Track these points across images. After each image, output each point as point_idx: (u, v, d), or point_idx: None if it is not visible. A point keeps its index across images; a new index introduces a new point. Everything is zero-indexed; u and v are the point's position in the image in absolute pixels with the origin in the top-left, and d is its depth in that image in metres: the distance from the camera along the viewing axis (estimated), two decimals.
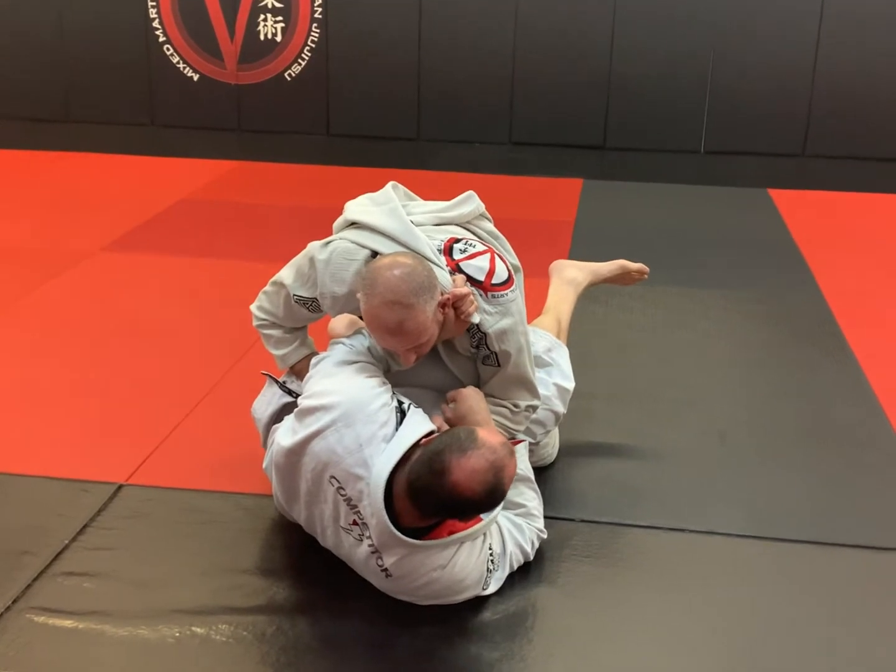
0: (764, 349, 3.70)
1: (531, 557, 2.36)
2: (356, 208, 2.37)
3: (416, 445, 2.11)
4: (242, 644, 2.12)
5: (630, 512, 2.62)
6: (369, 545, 2.13)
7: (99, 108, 6.81)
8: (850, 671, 2.09)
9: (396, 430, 2.13)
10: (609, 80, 6.38)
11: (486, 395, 2.36)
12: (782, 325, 3.91)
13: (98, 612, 2.20)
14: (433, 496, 2.03)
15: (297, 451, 2.19)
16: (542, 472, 2.73)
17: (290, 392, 2.52)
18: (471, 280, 2.24)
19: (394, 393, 2.24)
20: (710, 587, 2.34)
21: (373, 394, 2.18)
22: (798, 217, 5.41)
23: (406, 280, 2.08)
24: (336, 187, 5.43)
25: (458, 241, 2.31)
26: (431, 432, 2.17)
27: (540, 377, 2.61)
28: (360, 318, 2.40)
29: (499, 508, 2.21)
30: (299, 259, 2.40)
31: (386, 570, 2.14)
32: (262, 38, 6.59)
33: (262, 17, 6.55)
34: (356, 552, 2.18)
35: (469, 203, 2.45)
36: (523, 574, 2.34)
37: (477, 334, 2.27)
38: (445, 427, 2.24)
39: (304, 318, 2.49)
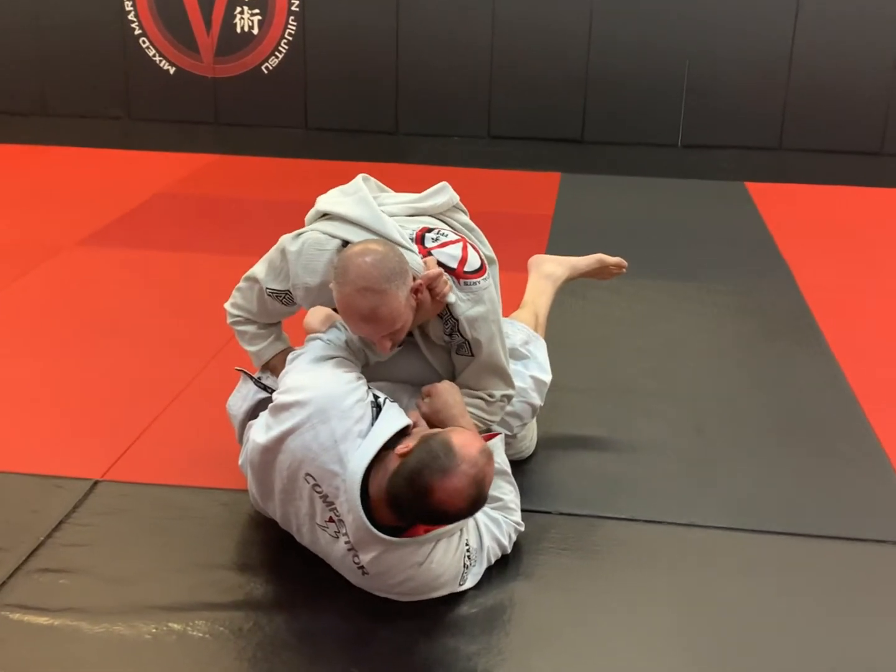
0: (740, 341, 3.72)
1: (508, 551, 2.36)
2: (327, 199, 2.39)
3: (393, 440, 2.10)
4: (219, 640, 2.11)
5: (607, 504, 2.62)
6: (346, 542, 2.13)
7: (75, 102, 6.76)
8: (827, 660, 2.10)
9: (372, 425, 2.12)
10: (587, 74, 6.38)
11: (461, 385, 2.37)
12: (758, 318, 3.93)
13: (74, 609, 2.18)
14: (416, 513, 2.06)
15: (272, 449, 2.19)
16: (520, 465, 2.74)
17: (265, 388, 2.51)
18: (443, 267, 2.25)
19: (370, 387, 2.23)
20: (688, 578, 2.35)
21: (348, 389, 2.17)
22: (774, 210, 5.44)
23: (377, 266, 2.08)
24: (314, 181, 5.40)
25: (430, 230, 2.32)
26: (408, 427, 2.17)
27: (517, 370, 2.61)
28: (335, 310, 2.40)
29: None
30: (271, 253, 2.40)
31: (362, 567, 2.14)
32: (238, 31, 6.55)
33: (238, 9, 6.51)
34: (332, 549, 2.18)
35: (442, 194, 2.45)
36: (501, 567, 2.34)
37: (449, 321, 2.28)
38: (422, 422, 2.24)
39: (278, 312, 2.48)
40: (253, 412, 2.49)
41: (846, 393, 3.28)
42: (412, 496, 2.01)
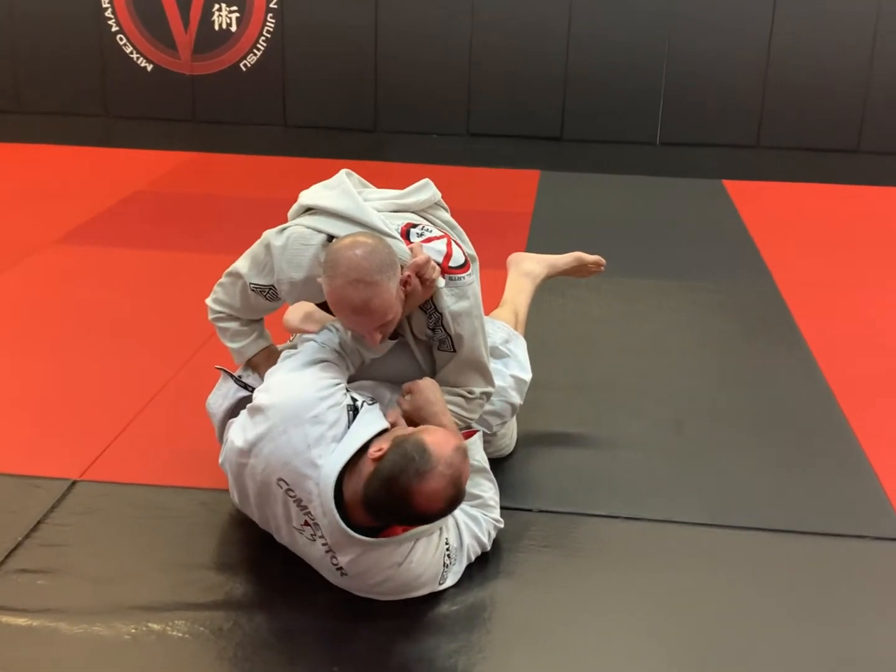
0: (719, 338, 3.74)
1: (488, 548, 2.36)
2: (310, 194, 2.38)
3: (370, 443, 2.10)
4: (199, 639, 2.10)
5: (588, 501, 2.63)
6: (323, 544, 2.12)
7: (51, 99, 6.70)
8: (807, 655, 2.11)
9: (348, 428, 2.12)
10: (566, 71, 6.39)
11: (441, 382, 2.37)
12: (737, 315, 3.95)
13: (52, 610, 2.17)
14: (395, 517, 2.06)
15: (245, 453, 2.18)
16: (501, 463, 2.74)
17: (245, 386, 2.49)
18: None
19: (349, 390, 2.22)
20: (668, 575, 2.36)
21: (321, 395, 2.16)
22: (752, 207, 5.47)
23: (368, 258, 2.09)
24: (293, 178, 5.36)
25: (414, 226, 2.33)
26: (385, 430, 2.16)
27: (497, 368, 2.61)
28: (319, 305, 2.40)
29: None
30: (255, 248, 2.39)
31: (341, 568, 2.14)
32: (216, 28, 6.52)
33: (216, 6, 6.48)
34: (310, 551, 2.17)
35: (425, 191, 2.45)
36: (482, 565, 2.34)
37: (434, 314, 2.28)
38: (401, 421, 2.23)
39: (262, 307, 2.47)
40: (233, 411, 2.47)
41: (823, 389, 3.30)
42: (390, 501, 2.01)
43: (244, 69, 6.57)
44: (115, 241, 4.66)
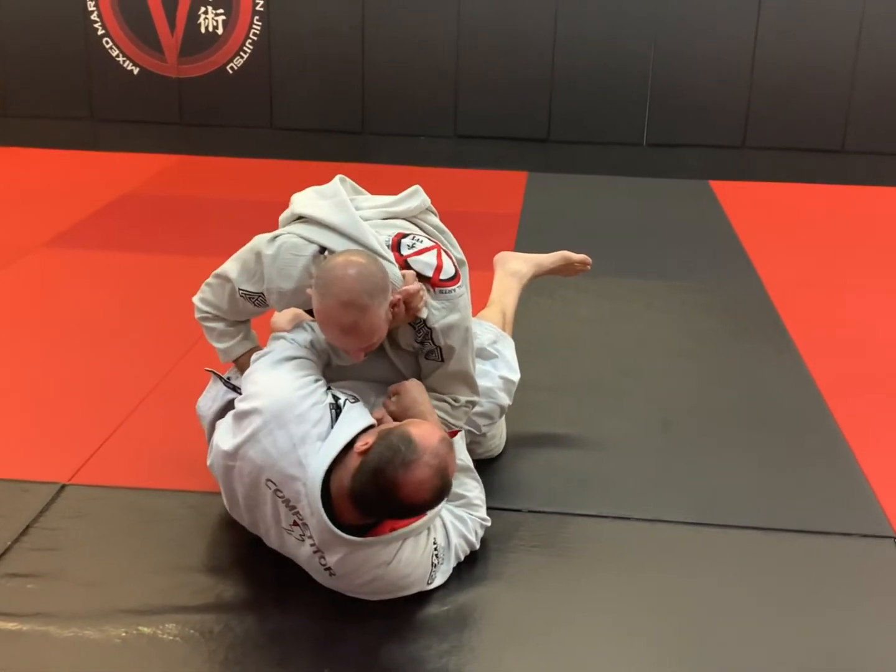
0: (705, 338, 3.75)
1: (476, 547, 2.37)
2: (303, 201, 2.36)
3: (354, 441, 2.10)
4: (190, 642, 2.10)
5: (576, 501, 2.64)
6: (311, 545, 2.12)
7: (37, 103, 6.68)
8: (794, 654, 2.13)
9: (332, 426, 2.12)
10: (552, 73, 6.40)
11: (428, 388, 2.36)
12: (723, 315, 3.97)
13: (42, 614, 2.16)
14: (383, 509, 2.06)
15: (232, 456, 2.18)
16: (489, 464, 2.75)
17: (234, 388, 2.49)
18: (418, 276, 2.25)
19: (329, 389, 2.23)
20: (657, 574, 2.37)
21: (303, 393, 2.16)
22: (739, 208, 5.50)
23: (361, 281, 2.07)
24: (280, 181, 5.39)
25: (405, 236, 2.31)
26: (370, 426, 2.17)
27: (485, 369, 2.62)
28: (308, 312, 2.39)
29: (443, 502, 2.21)
30: (245, 253, 2.37)
31: (329, 568, 2.14)
32: (203, 30, 6.51)
33: (202, 9, 6.48)
34: (299, 552, 2.18)
35: (416, 198, 2.45)
36: (471, 565, 2.35)
37: (423, 329, 2.28)
38: (388, 420, 2.24)
39: (249, 312, 2.47)
40: (222, 413, 2.47)
41: (810, 387, 3.32)
42: (378, 493, 2.01)
43: (231, 72, 6.57)
44: (102, 244, 4.65)
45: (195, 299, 2.53)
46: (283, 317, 2.58)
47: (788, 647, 2.14)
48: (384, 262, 2.19)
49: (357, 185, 2.49)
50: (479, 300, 2.94)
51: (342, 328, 2.10)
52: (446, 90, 6.49)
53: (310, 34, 6.45)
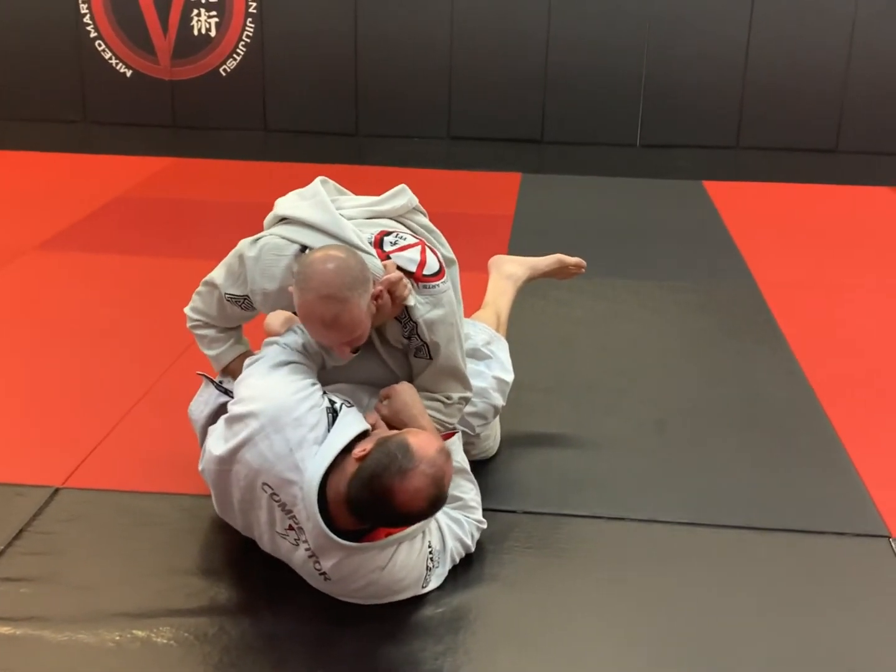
0: (700, 338, 3.76)
1: (472, 549, 2.36)
2: (285, 204, 2.38)
3: (351, 445, 2.10)
4: (184, 645, 2.10)
5: (571, 502, 2.64)
6: (306, 549, 2.12)
7: (30, 105, 6.68)
8: (789, 652, 2.13)
9: (328, 431, 2.12)
10: (546, 74, 6.42)
11: (419, 388, 2.37)
12: (717, 315, 3.98)
13: (36, 618, 2.16)
14: (378, 516, 2.05)
15: (227, 460, 2.17)
16: (484, 464, 2.75)
17: (226, 392, 2.49)
18: (402, 271, 2.25)
19: (325, 393, 2.22)
20: (652, 574, 2.37)
21: (300, 396, 2.16)
22: (732, 208, 5.50)
23: (340, 274, 2.08)
24: (274, 183, 5.37)
25: (388, 233, 2.32)
26: (365, 431, 2.16)
27: (479, 370, 2.62)
28: (295, 313, 2.39)
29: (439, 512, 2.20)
30: (230, 257, 2.39)
31: (324, 573, 2.13)
32: (195, 33, 6.52)
33: (195, 12, 6.48)
34: (293, 556, 2.17)
35: (401, 197, 2.45)
36: (466, 567, 2.35)
37: (408, 324, 2.28)
38: (381, 424, 2.24)
39: (238, 316, 2.48)
40: (214, 417, 2.46)
41: (804, 387, 3.32)
42: (372, 499, 2.01)
43: (224, 74, 6.57)
44: (95, 246, 4.64)
45: (186, 309, 2.54)
46: (275, 319, 2.58)
47: (783, 646, 2.14)
48: (364, 255, 2.19)
49: (341, 187, 2.50)
50: (473, 302, 2.94)
51: (323, 322, 2.10)
52: (440, 92, 6.50)
53: (303, 36, 6.46)
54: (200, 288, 2.49)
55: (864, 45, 6.25)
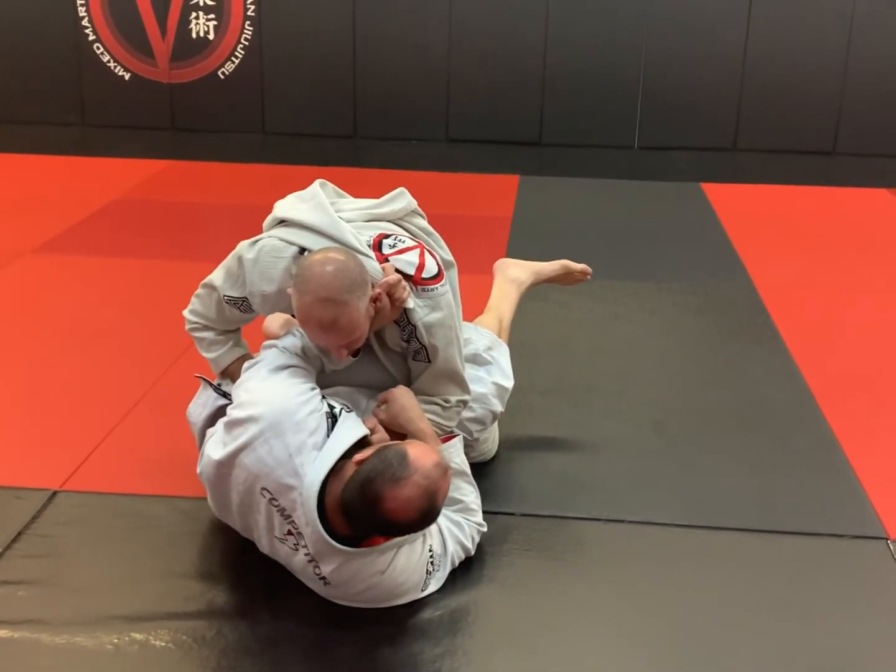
0: (698, 340, 3.76)
1: (472, 552, 2.36)
2: (284, 206, 2.38)
3: (350, 451, 2.10)
4: (182, 648, 2.10)
5: (570, 504, 2.64)
6: (305, 554, 2.12)
7: (28, 109, 6.69)
8: (786, 654, 2.13)
9: (328, 436, 2.11)
10: (544, 77, 6.42)
11: (417, 391, 2.37)
12: (715, 316, 3.98)
13: (34, 621, 2.16)
14: (366, 522, 2.04)
15: (226, 464, 2.17)
16: (482, 467, 2.74)
17: (224, 395, 2.49)
18: (400, 274, 2.25)
19: (324, 397, 2.22)
20: (650, 576, 2.37)
21: (301, 401, 2.15)
22: (730, 210, 5.50)
23: (339, 277, 2.08)
24: (272, 186, 5.37)
25: (387, 236, 2.32)
26: (365, 437, 2.16)
27: (479, 375, 2.62)
28: (293, 316, 2.40)
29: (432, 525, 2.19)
30: (228, 260, 2.39)
31: (324, 578, 2.13)
32: (194, 36, 6.52)
33: (193, 14, 6.48)
34: (292, 561, 2.17)
35: (400, 200, 2.45)
36: (465, 569, 2.34)
37: (407, 327, 2.28)
38: (380, 429, 2.24)
39: (237, 319, 2.48)
40: (212, 419, 2.47)
41: (802, 388, 3.32)
42: (362, 504, 2.00)
43: (222, 77, 6.58)
44: (93, 249, 4.64)
45: (185, 312, 2.54)
46: (274, 322, 2.58)
47: (781, 648, 2.14)
48: (363, 258, 2.19)
49: (339, 189, 2.50)
50: (475, 305, 2.94)
51: (321, 325, 2.10)
52: (438, 94, 6.51)
53: (301, 39, 6.47)
54: (199, 290, 2.49)
55: (862, 47, 6.26)
